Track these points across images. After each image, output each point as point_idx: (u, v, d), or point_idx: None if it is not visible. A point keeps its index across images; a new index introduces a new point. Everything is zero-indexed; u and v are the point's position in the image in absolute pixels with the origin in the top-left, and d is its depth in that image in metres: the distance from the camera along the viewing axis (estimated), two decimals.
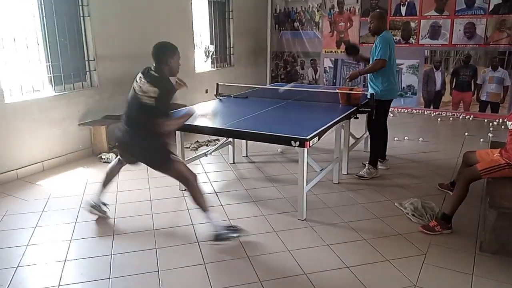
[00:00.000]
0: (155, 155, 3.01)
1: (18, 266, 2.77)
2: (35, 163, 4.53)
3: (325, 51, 8.34)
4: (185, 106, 5.13)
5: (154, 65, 2.98)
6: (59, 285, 2.57)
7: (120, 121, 3.12)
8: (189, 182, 3.02)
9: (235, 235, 3.06)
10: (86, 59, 5.08)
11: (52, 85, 4.74)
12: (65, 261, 2.83)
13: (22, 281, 2.62)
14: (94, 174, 4.44)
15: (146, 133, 2.93)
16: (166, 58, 2.96)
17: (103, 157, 4.91)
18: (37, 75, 4.63)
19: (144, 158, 3.10)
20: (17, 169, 4.35)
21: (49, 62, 4.69)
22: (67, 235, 3.18)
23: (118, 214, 3.53)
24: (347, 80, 4.45)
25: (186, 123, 3.19)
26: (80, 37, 5.01)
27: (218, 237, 3.00)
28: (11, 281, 2.61)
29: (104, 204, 3.47)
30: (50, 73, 4.72)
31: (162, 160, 3.01)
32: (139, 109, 2.91)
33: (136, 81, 2.99)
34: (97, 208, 3.43)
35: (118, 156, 3.40)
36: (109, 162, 4.77)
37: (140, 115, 2.92)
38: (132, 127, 3.00)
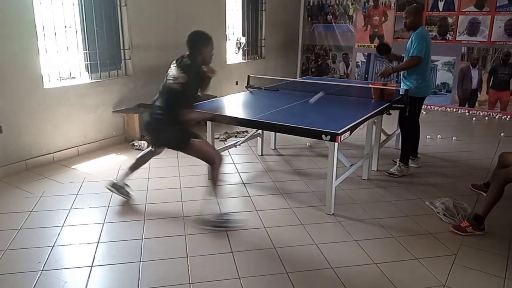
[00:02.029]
0: (176, 139, 3.13)
1: (54, 246, 2.88)
2: (71, 148, 4.68)
3: (358, 45, 8.21)
4: (215, 97, 5.19)
5: (188, 53, 3.07)
6: (92, 266, 2.66)
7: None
8: (214, 164, 3.13)
9: (226, 225, 3.13)
10: (121, 48, 5.19)
11: (88, 73, 4.88)
12: (98, 243, 2.93)
13: (58, 260, 2.73)
14: (126, 160, 4.55)
15: (170, 118, 3.02)
16: (199, 47, 3.05)
17: (135, 144, 5.02)
18: (74, 62, 4.77)
19: (168, 141, 3.24)
20: (53, 152, 4.51)
21: (86, 50, 4.82)
22: (100, 218, 3.29)
23: (149, 200, 3.62)
24: (379, 76, 4.39)
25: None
26: (117, 26, 5.12)
27: (208, 223, 3.13)
28: (47, 259, 2.72)
29: (127, 186, 3.59)
30: (87, 61, 4.85)
31: (183, 143, 3.11)
32: (167, 94, 3.04)
33: (170, 68, 3.10)
34: (118, 188, 3.52)
35: (151, 147, 3.52)
36: (141, 149, 4.89)
37: (167, 100, 3.05)
38: (159, 111, 3.10)
